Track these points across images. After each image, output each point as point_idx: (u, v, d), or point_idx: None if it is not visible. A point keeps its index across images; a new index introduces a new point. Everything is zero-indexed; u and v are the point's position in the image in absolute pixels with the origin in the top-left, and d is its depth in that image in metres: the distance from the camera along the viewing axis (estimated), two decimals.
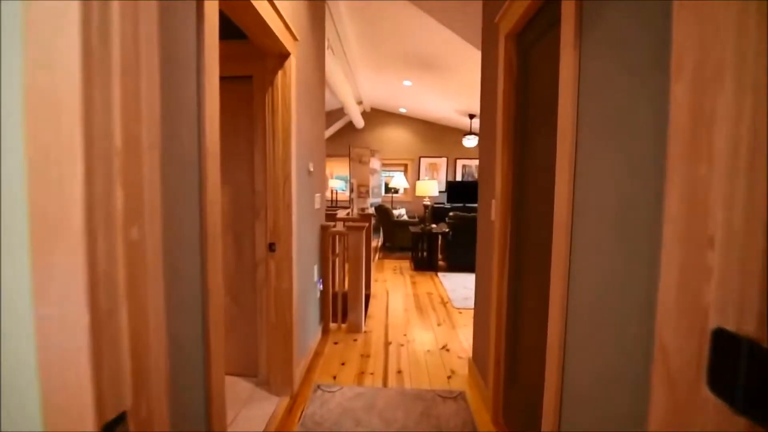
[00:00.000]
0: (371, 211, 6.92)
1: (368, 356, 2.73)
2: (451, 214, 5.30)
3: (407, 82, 6.00)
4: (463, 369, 2.59)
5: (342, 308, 3.16)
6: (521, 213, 1.72)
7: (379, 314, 3.55)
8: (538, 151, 1.56)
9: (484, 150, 2.21)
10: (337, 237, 3.05)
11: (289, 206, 2.01)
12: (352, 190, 6.49)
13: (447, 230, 5.26)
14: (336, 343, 2.90)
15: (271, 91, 1.95)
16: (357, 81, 6.27)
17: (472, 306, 3.72)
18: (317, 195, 2.74)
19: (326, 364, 2.58)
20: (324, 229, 2.93)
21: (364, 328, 3.14)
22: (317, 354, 2.72)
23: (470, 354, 2.77)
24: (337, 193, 8.35)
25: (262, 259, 2.11)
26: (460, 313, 3.64)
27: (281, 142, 1.97)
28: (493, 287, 1.90)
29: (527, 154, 1.68)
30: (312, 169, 2.48)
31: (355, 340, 2.97)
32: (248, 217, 2.14)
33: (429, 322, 3.38)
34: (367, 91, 7.05)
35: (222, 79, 2.14)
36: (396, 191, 8.43)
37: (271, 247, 2.04)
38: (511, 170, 1.77)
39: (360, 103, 7.65)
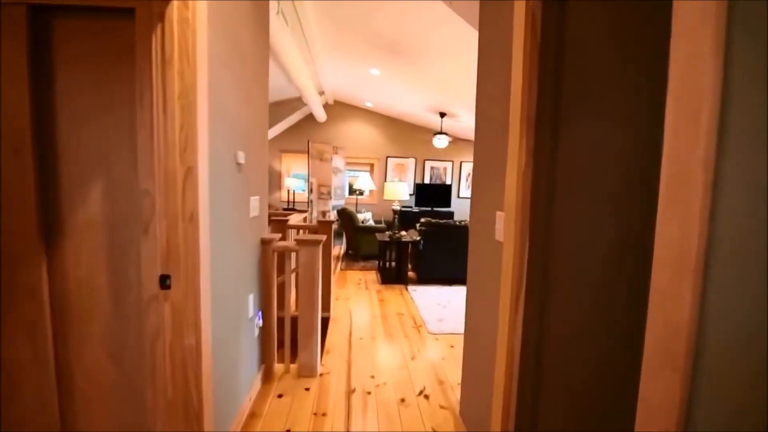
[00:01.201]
0: (333, 215, 6.18)
1: (324, 414, 2.03)
2: (422, 220, 4.69)
3: (374, 71, 5.33)
4: (447, 425, 1.96)
5: (293, 338, 2.42)
6: (552, 233, 1.11)
7: (340, 345, 2.85)
8: (591, 141, 0.94)
9: (481, 146, 1.59)
10: (285, 253, 2.32)
11: (193, 217, 1.27)
12: (311, 191, 5.72)
13: (418, 238, 4.64)
14: (281, 396, 2.16)
15: (160, 29, 1.20)
16: (317, 66, 5.52)
17: (450, 331, 3.19)
18: (254, 198, 1.99)
19: None
20: (266, 243, 2.19)
21: (319, 370, 2.42)
22: (253, 416, 1.98)
23: (455, 404, 2.14)
24: (294, 193, 7.51)
25: (153, 298, 1.35)
26: (437, 339, 3.01)
27: (177, 113, 1.23)
28: (503, 334, 1.27)
29: (564, 147, 1.06)
30: (243, 161, 1.74)
31: (308, 389, 2.25)
32: (131, 232, 1.37)
33: (401, 355, 2.72)
34: (330, 79, 6.31)
35: (80, 11, 1.36)
36: (361, 193, 7.73)
37: (164, 281, 1.29)
38: (533, 171, 1.14)
39: (322, 93, 6.89)
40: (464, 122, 6.85)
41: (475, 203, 1.65)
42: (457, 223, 4.60)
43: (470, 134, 7.62)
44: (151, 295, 1.35)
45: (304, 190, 7.55)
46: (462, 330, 3.17)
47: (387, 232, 5.25)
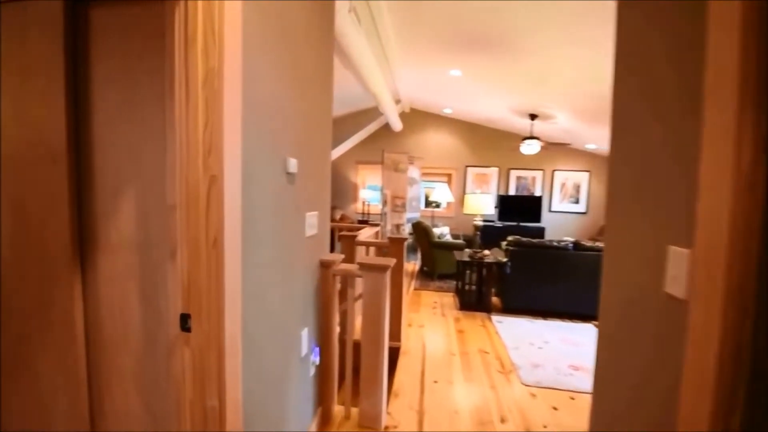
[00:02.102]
0: (407, 228, 5.81)
1: None
2: (510, 238, 4.06)
3: (455, 72, 4.89)
4: None
5: (355, 374, 2.05)
6: None
7: (411, 388, 2.41)
8: None
9: (625, 141, 1.05)
10: (348, 278, 1.98)
11: (216, 241, 0.96)
12: (385, 203, 5.43)
13: (504, 260, 4.02)
14: None
15: (183, 6, 0.94)
16: (394, 73, 5.27)
17: (550, 384, 2.48)
18: (311, 214, 1.69)
19: None
20: (326, 266, 1.87)
21: (384, 421, 2.02)
22: None
23: None
24: (369, 205, 7.33)
25: (175, 340, 1.08)
26: (533, 396, 2.41)
27: (201, 105, 0.94)
28: None
29: None
30: (294, 171, 1.44)
31: None
32: (162, 255, 1.12)
33: (487, 411, 2.19)
34: (407, 86, 6.02)
35: None
36: (437, 205, 7.27)
37: (184, 322, 1.00)
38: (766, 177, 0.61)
39: (398, 101, 6.65)
40: (560, 123, 6.03)
41: (614, 227, 1.11)
42: (555, 243, 3.89)
43: (567, 137, 6.72)
44: (174, 335, 1.08)
45: (378, 202, 7.34)
46: (568, 385, 2.51)
47: (466, 250, 4.70)
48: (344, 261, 2.00)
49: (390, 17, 3.76)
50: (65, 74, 1.12)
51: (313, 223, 1.71)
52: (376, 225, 4.57)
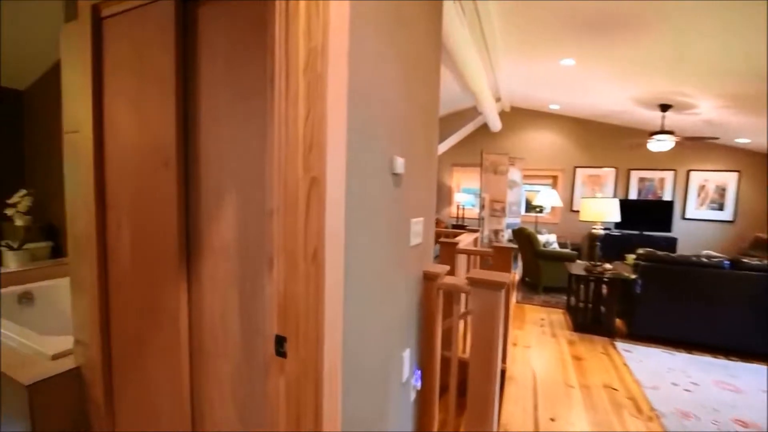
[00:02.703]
0: (506, 234, 5.32)
1: None
2: (640, 251, 3.39)
3: (568, 61, 4.31)
4: None
5: (459, 401, 1.80)
6: None
7: (523, 423, 2.06)
8: None
9: None
10: (453, 292, 1.74)
11: (317, 254, 0.82)
12: (482, 207, 5.04)
13: (634, 276, 3.36)
14: None
15: None
16: (495, 68, 4.87)
17: None
18: (416, 221, 1.50)
19: None
20: (430, 279, 1.66)
21: None
22: None
23: None
24: (464, 209, 6.96)
25: (269, 363, 0.97)
26: None
27: (302, 93, 0.80)
28: None
29: None
30: (401, 171, 1.26)
31: None
32: (261, 264, 1.03)
33: None
34: (509, 82, 5.55)
35: None
36: (540, 210, 6.58)
37: (279, 345, 0.88)
38: None
39: (498, 100, 6.18)
40: (703, 114, 4.95)
41: None
42: (705, 260, 3.12)
43: (711, 131, 5.52)
44: (270, 356, 0.97)
45: (473, 206, 6.92)
46: None
47: (579, 262, 4.08)
48: (447, 272, 1.77)
49: (496, 4, 3.43)
50: (176, 78, 1.10)
51: (418, 231, 1.52)
52: (474, 231, 4.22)
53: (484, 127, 6.87)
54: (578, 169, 6.71)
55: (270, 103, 0.92)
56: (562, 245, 5.62)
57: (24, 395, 1.32)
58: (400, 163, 1.24)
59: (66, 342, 1.58)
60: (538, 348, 3.10)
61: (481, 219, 5.01)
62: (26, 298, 2.53)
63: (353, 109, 0.93)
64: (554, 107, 6.47)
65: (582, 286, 3.69)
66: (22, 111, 3.62)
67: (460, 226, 6.58)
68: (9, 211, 3.05)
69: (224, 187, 1.05)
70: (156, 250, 1.16)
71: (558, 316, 3.96)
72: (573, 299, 3.75)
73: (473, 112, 5.98)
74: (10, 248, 2.86)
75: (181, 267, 1.12)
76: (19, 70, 3.32)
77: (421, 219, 1.57)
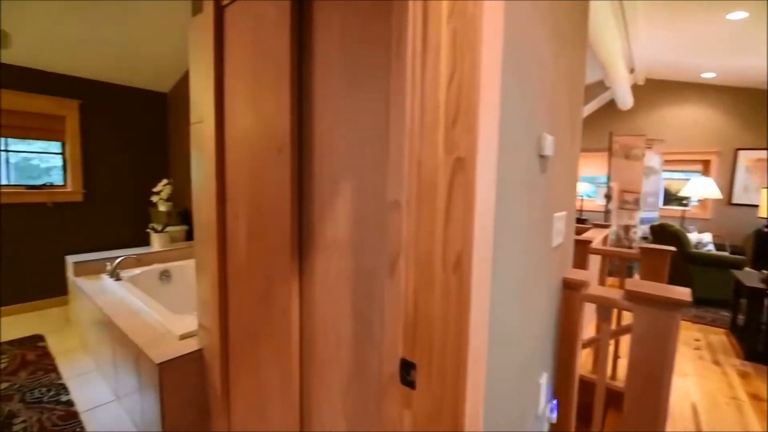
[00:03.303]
0: (640, 231, 4.47)
1: None
2: None
3: (738, 14, 3.35)
4: None
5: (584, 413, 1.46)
6: None
7: None
8: None
9: None
10: (601, 308, 1.39)
11: (460, 262, 0.61)
12: (609, 198, 4.31)
13: None
14: None
15: None
16: (632, 34, 4.05)
17: None
18: (558, 216, 1.19)
19: None
20: (571, 287, 1.34)
21: None
22: None
23: None
24: (583, 200, 6.11)
25: (388, 385, 0.80)
26: None
27: (444, 48, 0.59)
28: None
29: None
30: (549, 153, 0.98)
31: None
32: (378, 264, 0.87)
33: None
34: (647, 48, 4.60)
35: None
36: (686, 203, 5.41)
37: (405, 371, 0.70)
38: None
39: (632, 71, 5.21)
40: None
41: None
42: None
43: None
44: (388, 379, 0.80)
45: (592, 197, 6.04)
46: None
47: (748, 270, 3.18)
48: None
49: None
50: (291, 58, 0.99)
51: (561, 229, 1.21)
52: (603, 226, 3.58)
53: (610, 105, 5.89)
54: (740, 152, 5.34)
55: (397, 68, 0.73)
56: (719, 247, 4.53)
57: (155, 372, 1.41)
58: (549, 143, 0.96)
59: (192, 323, 1.67)
60: (697, 378, 2.47)
61: (607, 212, 4.28)
62: (165, 276, 2.86)
63: (507, 69, 0.69)
64: (708, 75, 5.22)
65: (755, 304, 2.85)
66: (167, 110, 4.15)
67: (581, 220, 5.79)
68: (154, 198, 3.52)
69: (339, 174, 0.90)
70: (269, 241, 1.09)
71: (718, 337, 3.15)
72: (742, 318, 2.94)
73: (598, 87, 5.14)
74: (155, 230, 3.29)
75: (293, 260, 1.02)
76: (163, 75, 3.78)
77: (564, 214, 1.25)
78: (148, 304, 2.02)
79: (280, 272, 1.08)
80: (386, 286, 0.82)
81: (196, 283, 1.50)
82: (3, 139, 3.31)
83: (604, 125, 6.00)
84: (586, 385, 1.81)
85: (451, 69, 0.60)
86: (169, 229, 3.38)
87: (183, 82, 3.79)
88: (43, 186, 3.44)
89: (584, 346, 1.65)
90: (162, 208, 3.49)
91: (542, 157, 0.96)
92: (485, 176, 0.61)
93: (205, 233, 1.36)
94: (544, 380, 1.20)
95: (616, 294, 1.31)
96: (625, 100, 5.38)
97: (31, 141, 3.43)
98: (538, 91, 0.88)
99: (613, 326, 2.17)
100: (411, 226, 0.67)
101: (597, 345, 1.94)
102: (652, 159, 4.77)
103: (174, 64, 3.58)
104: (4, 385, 2.24)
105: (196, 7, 1.53)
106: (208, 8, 1.26)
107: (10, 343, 2.78)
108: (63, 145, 3.53)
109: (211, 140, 1.24)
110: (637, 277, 2.56)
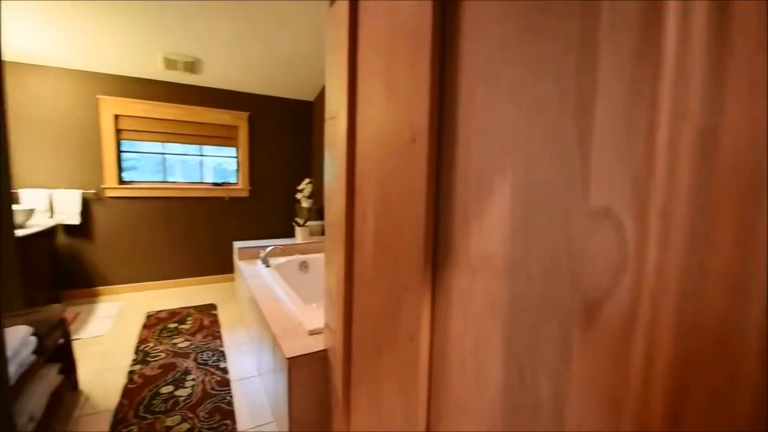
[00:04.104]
0: None
1: None
2: None
3: None
4: None
5: None
6: None
7: None
8: None
9: None
10: None
11: None
12: None
13: None
14: None
15: None
16: None
17: None
18: None
19: None
20: None
21: None
22: None
23: None
24: None
25: None
26: None
27: None
28: None
29: None
30: None
31: None
32: (560, 296, 0.64)
33: None
34: None
35: None
36: None
37: None
38: None
39: None
40: None
41: None
42: None
43: None
44: None
45: None
46: None
47: None
48: None
49: None
50: (432, 26, 0.83)
51: None
52: None
53: None
54: None
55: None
56: None
57: (285, 364, 1.44)
58: None
59: (320, 317, 1.69)
60: None
61: None
62: (304, 266, 3.09)
63: None
64: None
65: None
66: (312, 117, 4.56)
67: None
68: (298, 196, 3.87)
69: (493, 168, 0.70)
70: (397, 249, 0.96)
71: None
72: None
73: None
74: (298, 224, 3.60)
75: (425, 277, 0.86)
76: (309, 86, 4.13)
77: None
78: (287, 293, 2.16)
79: (409, 289, 0.94)
80: (575, 340, 0.58)
81: (325, 281, 1.49)
82: (201, 147, 4.11)
83: None
84: None
85: None
86: (309, 223, 3.68)
87: (324, 91, 4.08)
88: (224, 184, 4.15)
89: None
90: (304, 204, 3.82)
91: None
92: None
93: (335, 230, 1.32)
94: None
95: None
96: None
97: (219, 147, 4.18)
98: None
99: None
100: (650, 251, 0.43)
101: None
102: None
103: (319, 75, 3.88)
104: (186, 343, 2.72)
105: None
106: None
107: (195, 308, 3.41)
108: (237, 150, 4.20)
109: (342, 134, 1.18)
110: None
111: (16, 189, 3.34)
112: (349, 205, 1.16)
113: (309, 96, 4.34)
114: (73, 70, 3.45)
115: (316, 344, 1.52)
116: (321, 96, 4.19)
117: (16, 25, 2.79)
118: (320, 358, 1.46)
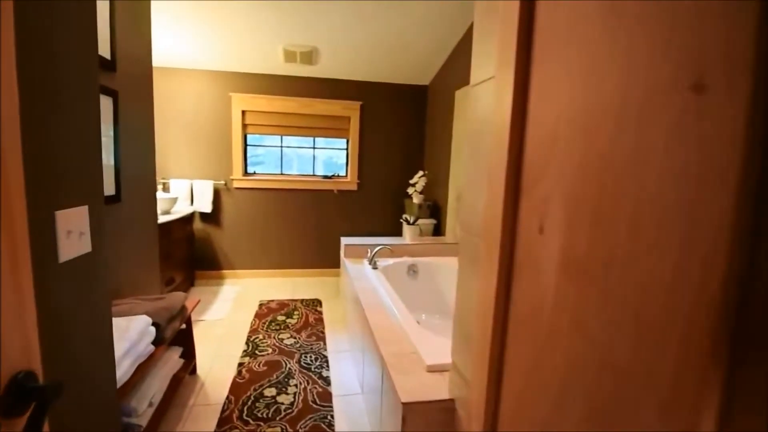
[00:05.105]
0: None
1: None
2: None
3: None
4: None
5: None
6: None
7: None
8: None
9: None
10: None
11: None
12: None
13: None
14: None
15: None
16: None
17: None
18: None
19: None
20: None
21: None
22: None
23: None
24: None
25: None
26: None
27: None
28: None
29: None
30: None
31: None
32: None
33: None
34: None
35: None
36: None
37: None
38: None
39: None
40: None
41: None
42: None
43: None
44: None
45: None
46: None
47: None
48: None
49: None
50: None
51: None
52: None
53: None
54: None
55: None
56: None
57: (399, 408, 1.12)
58: None
59: (441, 348, 1.34)
60: None
61: None
62: (413, 270, 2.77)
63: None
64: None
65: None
66: (426, 103, 4.22)
67: None
68: (410, 190, 3.57)
69: None
70: (631, 285, 0.54)
71: None
72: None
73: None
74: (407, 222, 3.30)
75: (713, 357, 0.43)
76: (425, 69, 3.80)
77: None
78: (395, 303, 1.87)
79: (655, 374, 0.51)
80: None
81: (456, 303, 1.13)
82: (314, 139, 4.14)
83: None
84: None
85: None
86: (419, 221, 3.36)
87: (441, 74, 3.71)
88: (333, 176, 4.11)
89: None
90: (415, 200, 3.51)
91: None
92: None
93: (478, 243, 0.94)
94: None
95: None
96: None
97: (330, 139, 4.16)
98: None
99: None
100: None
101: None
102: None
103: (434, 57, 3.51)
104: (292, 340, 2.65)
105: None
106: None
107: (302, 302, 3.40)
108: (347, 142, 4.11)
109: (505, 103, 0.79)
110: None
111: (167, 179, 3.76)
112: (509, 209, 0.77)
113: (424, 80, 4.01)
114: (210, 71, 3.72)
115: (437, 384, 1.17)
116: (437, 78, 3.83)
117: (164, 41, 3.10)
118: (443, 409, 1.11)
